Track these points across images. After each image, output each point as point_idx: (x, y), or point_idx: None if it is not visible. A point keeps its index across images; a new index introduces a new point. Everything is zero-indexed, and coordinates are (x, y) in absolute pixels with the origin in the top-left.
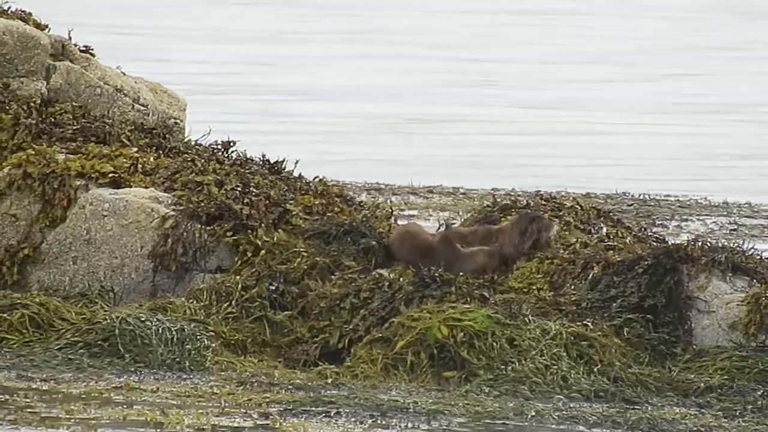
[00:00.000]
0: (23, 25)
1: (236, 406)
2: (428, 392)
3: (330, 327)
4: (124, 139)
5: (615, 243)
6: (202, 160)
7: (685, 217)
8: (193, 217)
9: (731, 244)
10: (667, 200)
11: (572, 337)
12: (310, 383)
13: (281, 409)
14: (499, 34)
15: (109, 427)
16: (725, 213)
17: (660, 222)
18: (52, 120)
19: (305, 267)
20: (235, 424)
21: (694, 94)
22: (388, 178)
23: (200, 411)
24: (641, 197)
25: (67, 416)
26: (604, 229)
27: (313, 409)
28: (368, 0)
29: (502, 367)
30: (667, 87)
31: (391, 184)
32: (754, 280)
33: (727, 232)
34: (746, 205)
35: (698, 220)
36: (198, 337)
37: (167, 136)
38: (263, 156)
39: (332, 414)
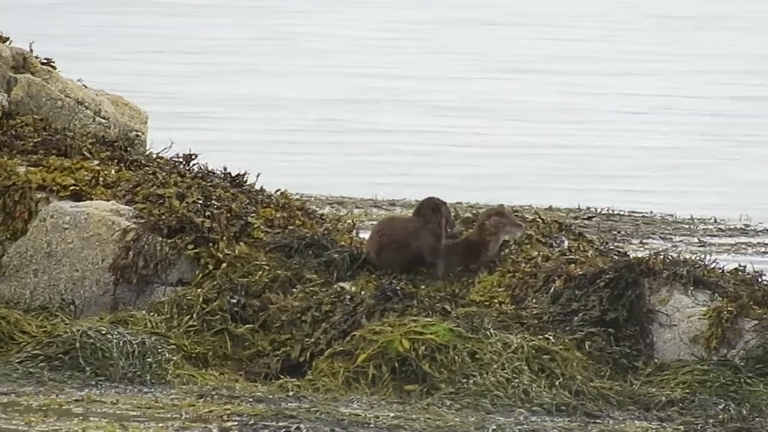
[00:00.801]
0: None
1: (197, 418)
2: (390, 405)
3: (291, 340)
4: (85, 152)
5: (577, 256)
6: (164, 173)
7: (648, 233)
8: (155, 230)
9: (693, 258)
10: (632, 215)
11: (534, 351)
12: (271, 396)
13: (241, 422)
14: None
15: None
16: (689, 231)
17: (623, 237)
18: (13, 132)
19: (267, 280)
20: None
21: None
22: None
23: (160, 424)
24: (604, 211)
25: (27, 428)
26: (566, 243)
27: (274, 423)
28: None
29: (464, 380)
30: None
31: (354, 197)
32: (716, 294)
33: (695, 248)
34: (711, 221)
35: (662, 236)
36: (159, 350)
37: (129, 148)
38: (225, 169)
39: (293, 428)
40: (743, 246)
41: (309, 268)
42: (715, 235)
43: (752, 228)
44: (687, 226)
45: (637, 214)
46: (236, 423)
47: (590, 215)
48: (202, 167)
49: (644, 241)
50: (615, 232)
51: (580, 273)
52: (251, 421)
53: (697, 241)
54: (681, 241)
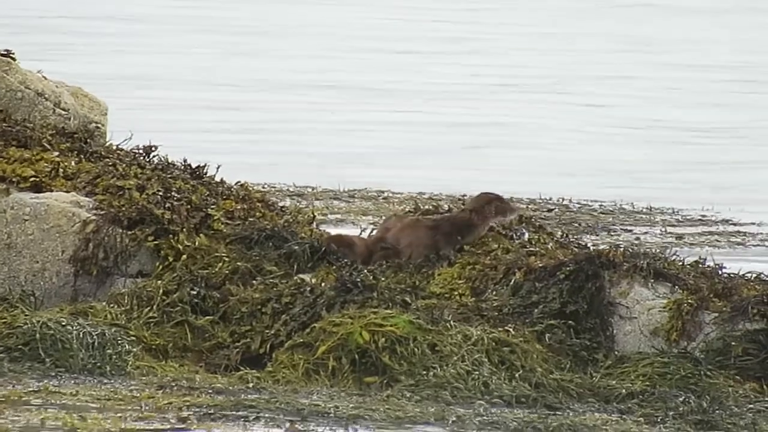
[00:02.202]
0: None
1: (155, 410)
2: (349, 397)
3: (251, 332)
4: (45, 144)
5: (537, 249)
6: (124, 165)
7: (609, 224)
8: (115, 222)
9: (653, 250)
10: (590, 206)
11: (494, 343)
12: (230, 387)
13: (200, 413)
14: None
15: None
16: (649, 221)
17: (588, 229)
18: None
19: (227, 272)
20: (153, 428)
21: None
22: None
23: (119, 415)
24: (564, 202)
25: None
26: (526, 235)
27: (233, 413)
28: None
29: (424, 372)
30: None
31: (315, 187)
32: (676, 287)
33: (673, 240)
34: (669, 211)
35: (622, 228)
36: (119, 341)
37: (88, 140)
38: (185, 160)
39: (251, 418)
40: (707, 235)
41: (269, 260)
42: (676, 226)
43: (711, 219)
44: (646, 217)
45: (596, 204)
46: (193, 413)
47: (549, 207)
48: (162, 159)
49: (610, 233)
50: (576, 224)
51: (541, 265)
52: (210, 412)
53: (661, 231)
54: (646, 232)
